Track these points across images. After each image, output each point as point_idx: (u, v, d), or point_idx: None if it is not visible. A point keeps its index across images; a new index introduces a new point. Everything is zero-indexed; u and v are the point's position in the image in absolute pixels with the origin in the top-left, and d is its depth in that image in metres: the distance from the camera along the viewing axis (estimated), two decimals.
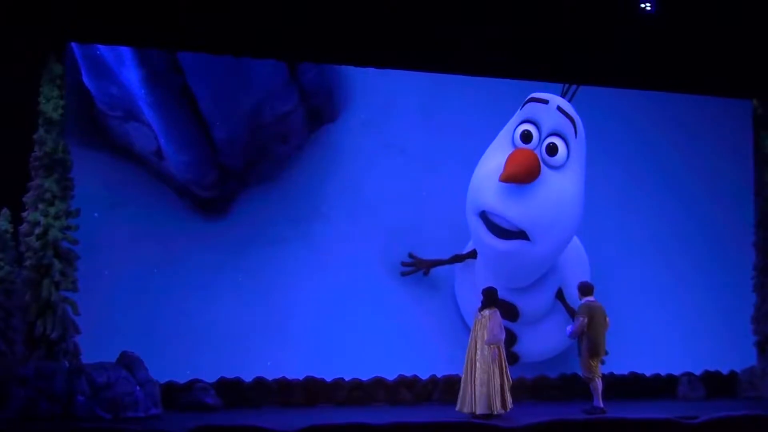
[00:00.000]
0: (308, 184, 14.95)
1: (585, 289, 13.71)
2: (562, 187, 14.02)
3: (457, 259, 15.07)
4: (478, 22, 15.07)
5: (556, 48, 15.51)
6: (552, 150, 13.98)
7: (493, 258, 14.21)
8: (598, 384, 13.46)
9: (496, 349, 12.78)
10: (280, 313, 14.57)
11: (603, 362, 13.76)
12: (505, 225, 13.81)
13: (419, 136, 15.45)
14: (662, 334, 16.13)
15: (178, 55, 14.24)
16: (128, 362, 12.88)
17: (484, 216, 13.99)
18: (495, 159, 14.00)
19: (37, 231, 12.97)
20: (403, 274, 14.98)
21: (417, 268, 15.03)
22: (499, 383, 12.71)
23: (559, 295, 14.92)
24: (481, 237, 14.11)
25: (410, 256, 15.01)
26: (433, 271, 15.17)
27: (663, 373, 16.17)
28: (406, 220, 15.22)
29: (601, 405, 13.39)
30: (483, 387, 12.72)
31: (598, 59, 15.78)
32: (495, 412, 12.63)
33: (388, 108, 15.34)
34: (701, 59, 16.06)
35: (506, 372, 12.85)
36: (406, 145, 15.38)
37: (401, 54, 14.99)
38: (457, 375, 14.42)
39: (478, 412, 12.70)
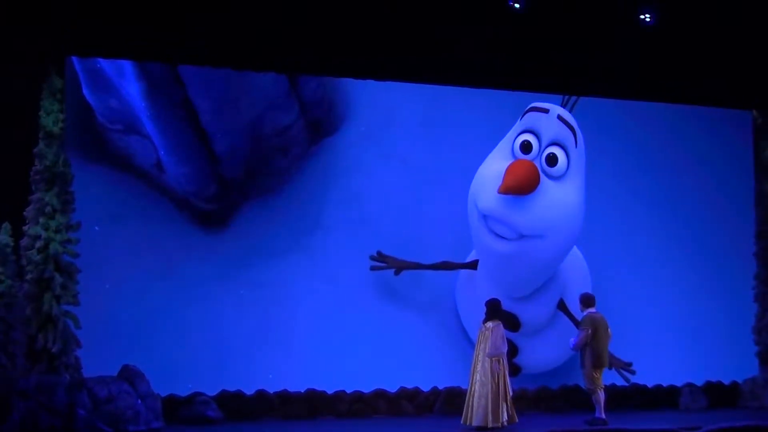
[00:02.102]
0: (309, 196, 14.94)
1: (587, 300, 13.71)
2: (562, 197, 14.02)
3: (448, 266, 15.01)
4: (478, 35, 15.12)
5: (556, 58, 15.53)
6: (552, 160, 13.99)
7: (494, 261, 14.21)
8: (601, 395, 13.44)
9: (497, 362, 12.74)
10: (281, 325, 14.55)
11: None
12: (505, 233, 13.83)
13: (419, 147, 15.45)
14: (664, 344, 16.10)
15: (179, 68, 14.26)
16: (129, 376, 12.86)
17: (485, 219, 14.03)
18: (494, 166, 14.02)
19: (38, 245, 12.97)
20: (373, 269, 14.89)
21: (388, 266, 14.96)
22: (497, 396, 12.66)
23: (561, 306, 14.92)
24: (482, 238, 14.11)
25: (378, 254, 14.94)
26: (435, 282, 15.18)
27: (665, 383, 16.14)
28: (407, 231, 15.22)
29: (603, 416, 13.36)
30: (481, 399, 12.69)
31: (597, 70, 15.81)
32: (489, 425, 12.59)
33: (388, 120, 15.34)
34: (701, 70, 16.08)
35: (507, 385, 12.79)
36: (406, 156, 15.39)
37: (399, 64, 15.02)
38: (458, 387, 14.48)
39: (474, 424, 12.68)
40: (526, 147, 13.98)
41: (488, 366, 12.69)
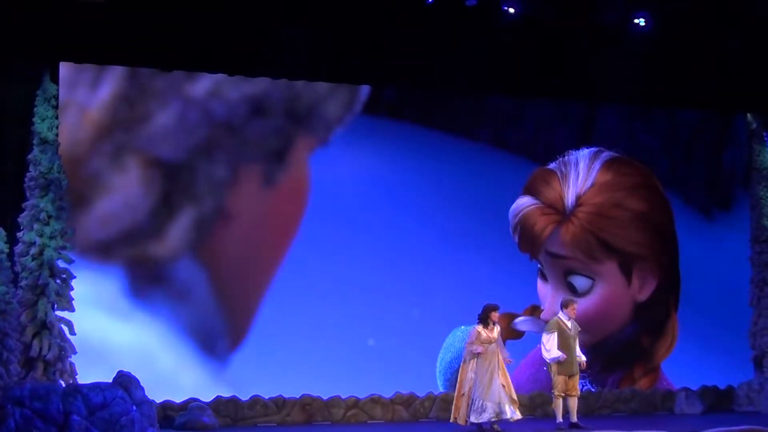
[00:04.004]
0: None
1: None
2: None
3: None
4: (473, 40, 15.16)
5: (549, 64, 15.58)
6: None
7: None
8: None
9: (464, 363, 12.89)
10: (276, 331, 14.53)
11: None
12: None
13: None
14: None
15: None
16: (124, 382, 12.82)
17: None
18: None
19: (33, 251, 12.94)
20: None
21: None
22: (459, 394, 12.87)
23: None
24: None
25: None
26: (430, 287, 15.22)
27: (660, 387, 16.15)
28: (403, 237, 15.26)
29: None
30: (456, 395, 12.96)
31: (593, 75, 15.84)
32: (456, 420, 12.84)
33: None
34: (695, 73, 16.13)
35: (467, 386, 12.80)
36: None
37: (396, 68, 15.09)
38: (454, 393, 14.54)
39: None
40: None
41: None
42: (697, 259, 16.61)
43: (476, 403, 12.72)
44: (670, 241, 16.52)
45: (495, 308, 13.03)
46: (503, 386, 12.80)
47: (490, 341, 12.87)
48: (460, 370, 13.01)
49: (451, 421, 12.99)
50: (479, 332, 12.89)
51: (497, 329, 13.03)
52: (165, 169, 14.25)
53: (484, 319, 12.97)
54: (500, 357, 12.92)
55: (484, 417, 12.68)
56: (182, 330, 14.12)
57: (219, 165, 14.49)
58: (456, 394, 12.99)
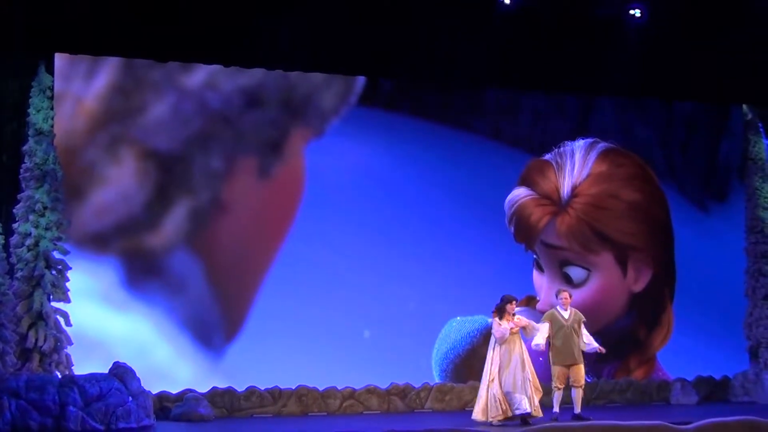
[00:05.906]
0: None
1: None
2: None
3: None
4: (468, 32, 15.16)
5: (545, 55, 15.58)
6: None
7: None
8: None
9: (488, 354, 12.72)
10: (272, 322, 14.54)
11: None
12: None
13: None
14: None
15: None
16: (120, 373, 12.83)
17: None
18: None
19: (28, 242, 12.95)
20: None
21: None
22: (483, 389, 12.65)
23: None
24: None
25: None
26: (426, 279, 15.22)
27: (656, 378, 16.19)
28: (399, 228, 15.29)
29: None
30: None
31: (588, 66, 15.84)
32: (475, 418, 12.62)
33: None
34: (692, 65, 16.14)
35: (489, 379, 12.65)
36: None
37: (389, 62, 15.11)
38: (449, 383, 14.62)
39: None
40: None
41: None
42: (692, 250, 16.63)
43: (509, 396, 12.46)
44: (666, 232, 16.53)
45: (511, 300, 12.69)
46: (528, 379, 12.58)
47: (511, 332, 12.58)
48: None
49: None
50: (498, 324, 12.66)
51: (517, 320, 12.64)
52: (160, 161, 14.26)
53: (500, 311, 12.71)
54: (524, 348, 12.61)
55: (519, 409, 12.46)
56: (178, 321, 14.13)
57: (214, 156, 14.50)
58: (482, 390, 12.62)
